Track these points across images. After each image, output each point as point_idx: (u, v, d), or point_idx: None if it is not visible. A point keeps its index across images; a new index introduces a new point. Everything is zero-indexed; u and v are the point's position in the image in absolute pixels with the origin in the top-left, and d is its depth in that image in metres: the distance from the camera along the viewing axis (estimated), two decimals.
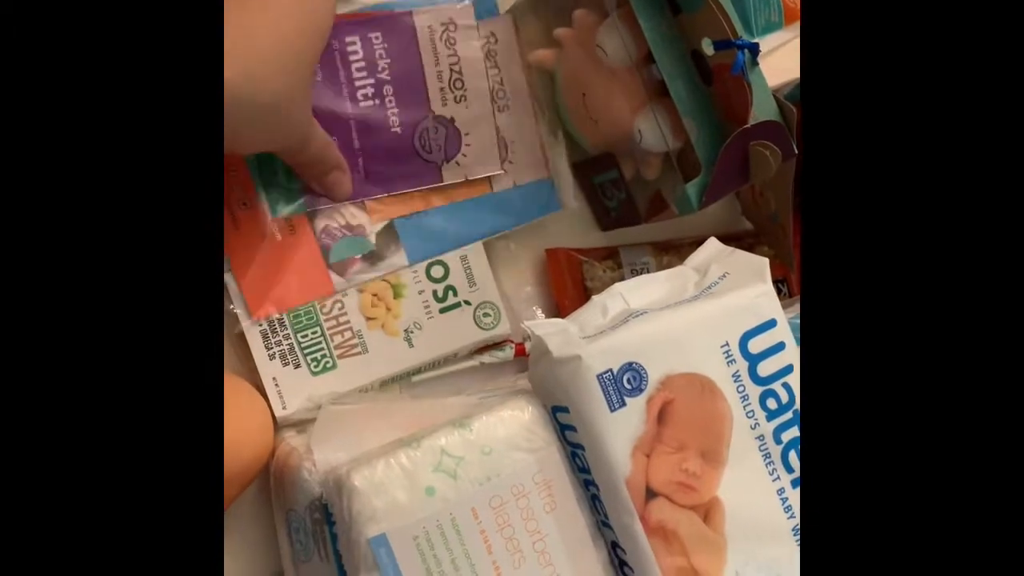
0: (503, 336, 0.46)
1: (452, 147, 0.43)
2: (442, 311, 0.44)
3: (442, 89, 0.42)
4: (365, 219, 0.43)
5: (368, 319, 0.43)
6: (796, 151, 0.39)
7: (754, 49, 0.37)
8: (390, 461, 0.33)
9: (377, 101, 0.42)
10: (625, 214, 0.46)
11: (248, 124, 0.33)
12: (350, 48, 0.41)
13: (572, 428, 0.35)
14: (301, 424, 0.41)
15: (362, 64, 0.41)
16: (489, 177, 0.44)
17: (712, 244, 0.39)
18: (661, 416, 0.34)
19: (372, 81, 0.41)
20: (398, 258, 0.43)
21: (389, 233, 0.43)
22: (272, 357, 0.41)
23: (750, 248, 0.49)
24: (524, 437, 0.35)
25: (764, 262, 0.37)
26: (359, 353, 0.42)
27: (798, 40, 0.51)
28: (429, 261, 0.44)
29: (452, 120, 0.43)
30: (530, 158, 0.45)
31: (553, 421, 0.36)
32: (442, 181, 0.43)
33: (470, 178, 0.44)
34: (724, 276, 0.37)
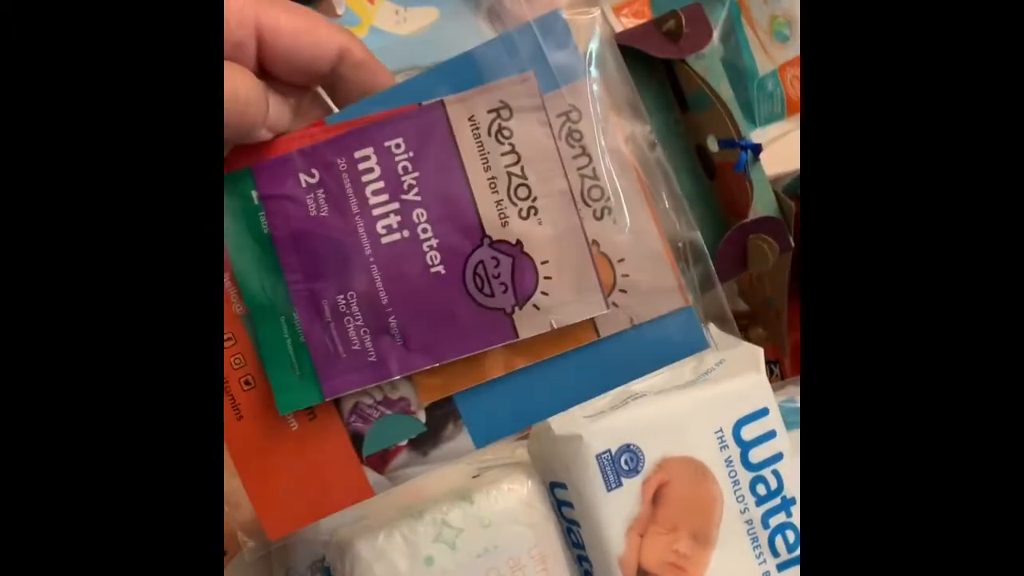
0: None
1: (525, 284, 0.29)
2: None
3: (499, 202, 0.29)
4: (411, 393, 0.30)
5: None
6: (793, 245, 0.41)
7: (756, 149, 0.39)
8: (392, 530, 0.34)
9: (405, 232, 0.29)
10: None
11: None
12: (362, 165, 0.29)
13: (569, 504, 0.36)
14: None
15: (380, 184, 0.29)
16: (593, 320, 0.29)
17: (710, 330, 0.41)
18: (656, 498, 0.35)
19: (396, 206, 0.29)
20: (461, 442, 0.30)
21: (445, 406, 0.30)
22: None
23: (745, 329, 0.51)
24: (523, 511, 0.36)
25: (759, 352, 0.38)
26: None
27: (799, 131, 0.54)
28: None
29: (519, 244, 0.29)
30: (654, 280, 0.30)
31: (551, 496, 0.37)
32: (516, 336, 0.29)
33: (558, 326, 0.29)
34: (720, 363, 0.39)
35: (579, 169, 0.29)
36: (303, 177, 0.29)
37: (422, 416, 0.30)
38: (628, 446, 0.35)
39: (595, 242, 0.29)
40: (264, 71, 0.28)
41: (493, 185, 0.29)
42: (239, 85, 0.27)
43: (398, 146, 0.29)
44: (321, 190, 0.29)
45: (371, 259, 0.29)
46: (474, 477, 0.38)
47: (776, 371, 0.51)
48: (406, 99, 0.29)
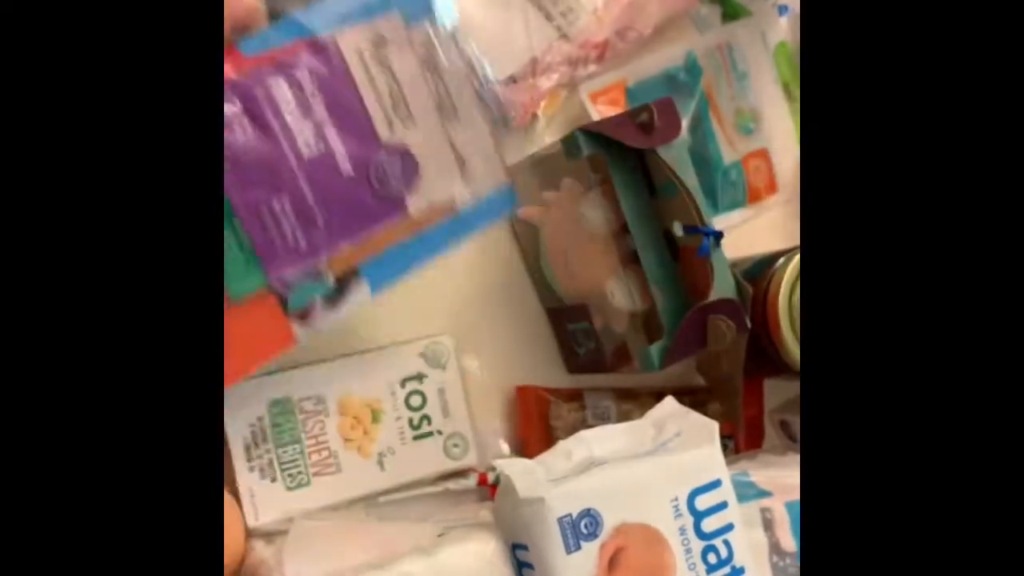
0: (469, 466, 0.49)
1: (410, 175, 0.39)
2: (415, 438, 0.47)
3: (386, 115, 0.39)
4: (324, 268, 0.38)
5: (346, 440, 0.46)
6: (749, 327, 0.43)
7: (718, 236, 0.42)
8: None
9: (321, 146, 0.37)
10: (593, 361, 0.50)
11: None
12: (277, 94, 0.37)
13: (530, 566, 0.37)
14: (270, 536, 0.44)
15: (295, 108, 0.37)
16: (452, 198, 0.40)
17: (669, 403, 0.43)
18: (612, 562, 0.37)
19: (310, 125, 0.37)
20: (360, 293, 0.39)
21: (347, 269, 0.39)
22: (252, 470, 0.43)
23: (703, 403, 0.54)
24: (485, 570, 0.37)
25: (714, 425, 0.40)
26: (333, 472, 0.45)
27: (759, 218, 0.57)
28: (409, 390, 0.47)
29: (404, 146, 0.39)
30: (488, 165, 0.41)
31: (513, 557, 0.38)
32: (408, 214, 0.39)
33: (434, 203, 0.40)
34: (678, 434, 0.41)
35: (437, 86, 0.40)
36: (228, 107, 0.36)
37: (331, 279, 0.38)
38: (588, 510, 0.37)
39: (451, 140, 0.40)
40: None
41: (380, 102, 0.39)
42: None
43: (304, 76, 0.37)
44: (246, 118, 0.36)
45: (296, 169, 0.37)
46: (439, 535, 0.40)
47: (731, 446, 0.54)
48: (304, 32, 0.37)
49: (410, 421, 0.47)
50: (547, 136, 0.52)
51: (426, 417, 0.48)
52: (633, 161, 0.44)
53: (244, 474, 0.43)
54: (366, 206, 0.38)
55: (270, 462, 0.44)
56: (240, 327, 0.36)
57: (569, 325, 0.51)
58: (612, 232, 0.46)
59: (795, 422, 0.55)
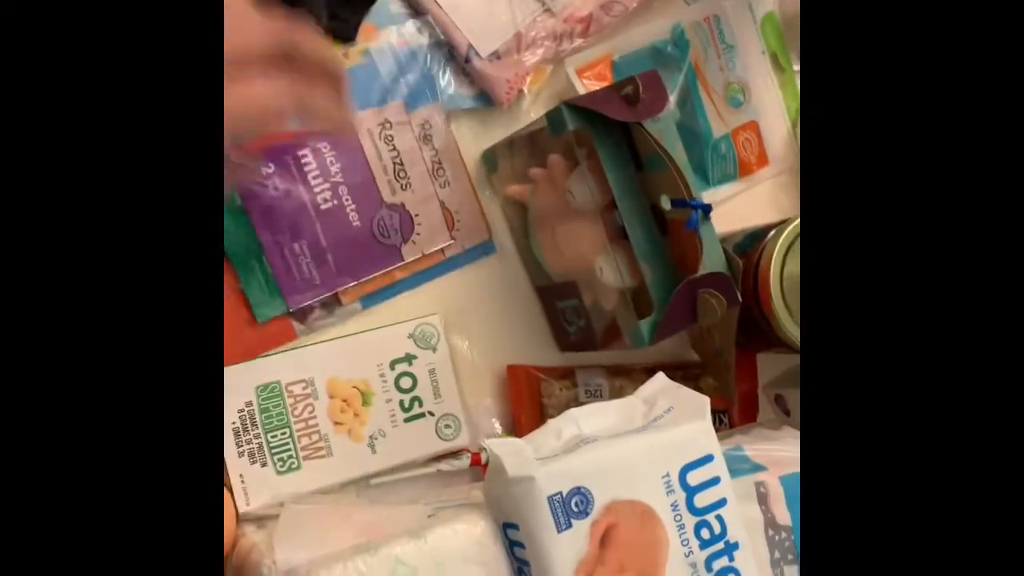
0: (461, 447, 0.48)
1: (407, 229, 0.49)
2: (406, 420, 0.47)
3: (389, 180, 0.49)
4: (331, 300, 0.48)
5: (336, 423, 0.45)
6: (740, 300, 0.43)
7: (706, 209, 0.41)
8: (347, 565, 0.35)
9: (335, 202, 0.47)
10: (583, 339, 0.50)
11: None
12: (304, 160, 0.47)
13: (521, 545, 0.37)
14: (261, 520, 0.43)
15: (317, 173, 0.47)
16: (442, 248, 0.50)
17: (660, 379, 0.43)
18: (604, 540, 0.37)
19: (328, 185, 0.47)
20: (353, 305, 0.48)
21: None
22: (241, 455, 0.43)
23: (696, 378, 0.53)
24: (475, 551, 0.37)
25: (705, 400, 0.40)
26: (324, 456, 0.45)
27: (750, 191, 0.57)
28: (399, 372, 0.47)
29: (402, 205, 0.49)
30: (474, 223, 0.51)
31: (504, 537, 0.38)
32: (403, 260, 0.49)
33: (426, 252, 0.50)
34: (669, 410, 0.40)
35: (431, 158, 0.50)
36: (263, 169, 0.46)
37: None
38: (579, 489, 0.37)
39: (442, 202, 0.50)
40: None
41: (385, 169, 0.49)
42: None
43: (326, 147, 0.48)
44: (277, 178, 0.47)
45: (315, 219, 0.47)
46: (429, 517, 0.39)
47: (725, 420, 0.53)
48: None
49: (401, 403, 0.47)
50: (533, 112, 0.52)
51: (417, 399, 0.48)
52: (619, 135, 0.43)
53: (234, 459, 0.43)
54: (370, 252, 0.48)
55: (260, 447, 0.44)
56: (258, 338, 0.47)
57: (559, 303, 0.51)
58: (599, 208, 0.45)
59: (790, 396, 0.55)
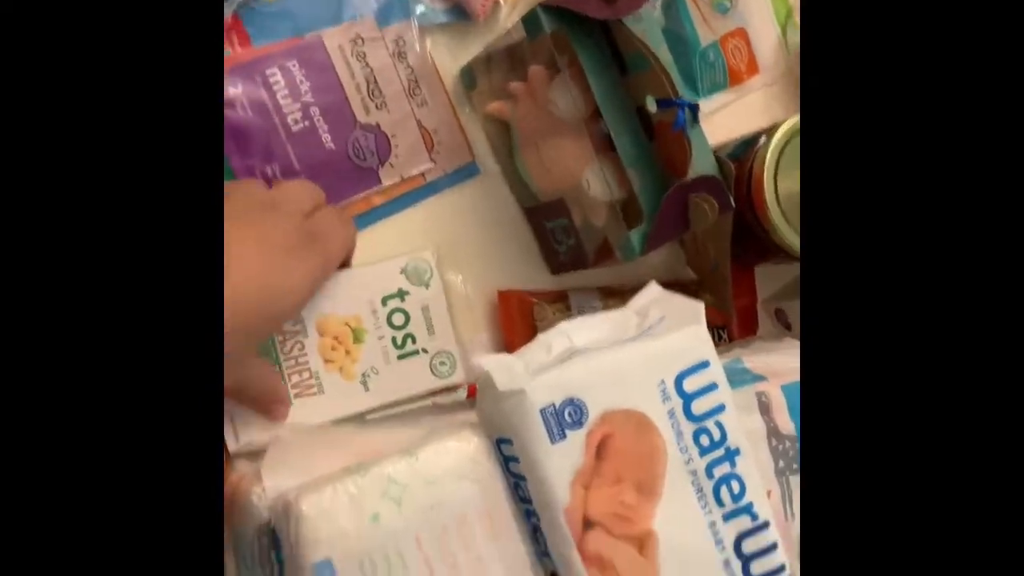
0: (457, 383, 0.47)
1: (383, 150, 0.47)
2: (399, 357, 0.45)
3: (363, 99, 0.46)
4: None
5: (327, 361, 0.44)
6: (733, 204, 0.41)
7: (694, 108, 0.40)
8: (337, 487, 0.34)
9: (307, 123, 0.45)
10: (574, 258, 0.49)
11: None
12: (272, 79, 0.45)
13: (515, 459, 0.36)
14: (253, 455, 0.42)
15: (286, 92, 0.45)
16: (422, 171, 0.48)
17: (652, 288, 0.42)
18: (600, 450, 0.36)
19: (298, 106, 0.45)
20: None
21: None
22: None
23: (693, 295, 0.52)
24: (469, 468, 0.36)
25: (700, 306, 0.39)
26: (315, 394, 0.44)
27: (741, 101, 0.55)
28: (391, 308, 0.45)
29: (378, 125, 0.47)
30: (455, 144, 0.49)
31: (497, 453, 0.37)
32: (380, 184, 0.47)
33: (405, 176, 0.48)
34: (663, 319, 0.39)
35: (406, 76, 0.48)
36: (231, 89, 0.44)
37: None
38: (571, 399, 0.36)
39: (419, 122, 0.48)
40: None
41: (358, 88, 0.47)
42: None
43: (294, 66, 0.46)
44: (245, 99, 0.44)
45: (286, 142, 0.45)
46: (422, 439, 0.38)
47: (724, 336, 0.52)
48: (294, 32, 0.46)
49: (393, 340, 0.46)
50: (511, 25, 0.49)
51: (410, 336, 0.46)
52: (599, 36, 0.41)
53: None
54: (345, 176, 0.46)
55: None
56: None
57: (547, 223, 0.49)
58: (583, 118, 0.43)
59: (790, 309, 0.54)
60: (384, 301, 0.46)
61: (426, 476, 0.35)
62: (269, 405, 0.42)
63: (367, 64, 0.47)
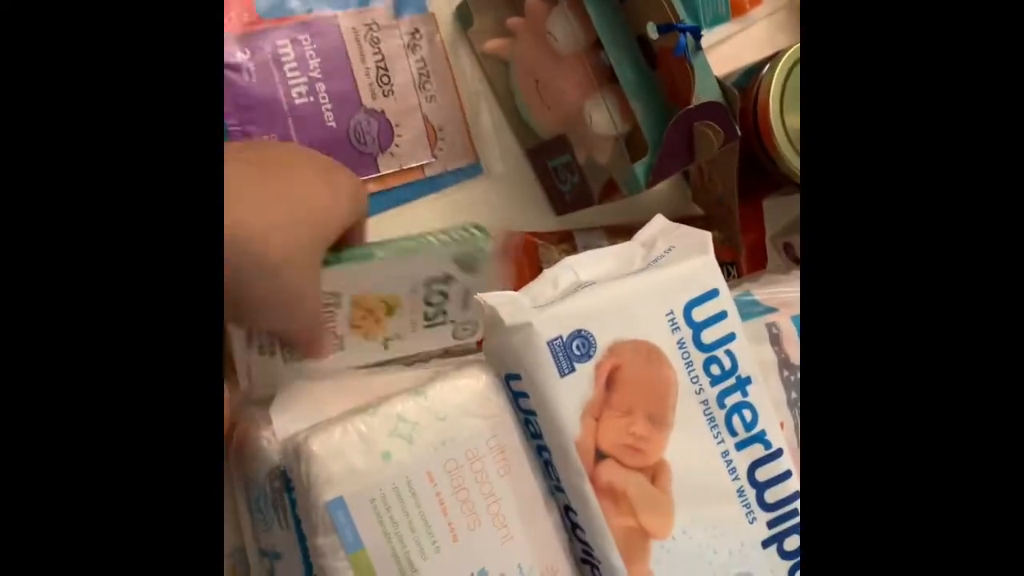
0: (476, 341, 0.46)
1: (385, 138, 0.46)
2: (426, 327, 0.44)
3: (371, 84, 0.46)
4: None
5: (354, 327, 0.43)
6: (738, 132, 0.40)
7: (696, 32, 0.39)
8: (347, 427, 0.34)
9: (311, 99, 0.45)
10: (578, 196, 0.48)
11: (257, 280, 0.33)
12: (282, 50, 0.44)
13: (524, 395, 0.36)
14: (261, 401, 0.42)
15: (294, 64, 0.44)
16: (422, 165, 0.47)
17: (658, 220, 0.41)
18: (609, 381, 0.35)
19: (305, 79, 0.44)
20: None
21: None
22: (251, 347, 0.41)
23: None
24: (478, 404, 0.36)
25: (707, 235, 0.38)
26: (336, 351, 0.43)
27: (744, 32, 0.54)
28: (433, 289, 0.44)
29: (383, 112, 0.46)
30: (459, 144, 0.48)
31: (506, 389, 0.37)
32: (378, 171, 0.46)
33: (404, 167, 0.47)
34: (670, 249, 0.39)
35: (418, 69, 0.47)
36: (239, 54, 0.43)
37: None
38: (579, 331, 0.35)
39: (425, 116, 0.47)
40: None
41: (367, 73, 0.46)
42: None
43: (306, 40, 0.45)
44: (252, 65, 0.44)
45: (288, 113, 0.44)
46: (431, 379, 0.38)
47: (733, 272, 0.52)
48: (308, 8, 0.45)
49: (425, 314, 0.44)
50: None
51: (443, 311, 0.45)
52: None
53: (241, 351, 0.41)
54: (343, 158, 0.44)
55: (271, 339, 0.42)
56: None
57: (550, 162, 0.48)
58: (584, 49, 0.42)
59: (798, 244, 0.53)
60: (428, 283, 0.44)
61: (436, 413, 0.35)
62: (316, 333, 0.40)
63: (379, 50, 0.46)
